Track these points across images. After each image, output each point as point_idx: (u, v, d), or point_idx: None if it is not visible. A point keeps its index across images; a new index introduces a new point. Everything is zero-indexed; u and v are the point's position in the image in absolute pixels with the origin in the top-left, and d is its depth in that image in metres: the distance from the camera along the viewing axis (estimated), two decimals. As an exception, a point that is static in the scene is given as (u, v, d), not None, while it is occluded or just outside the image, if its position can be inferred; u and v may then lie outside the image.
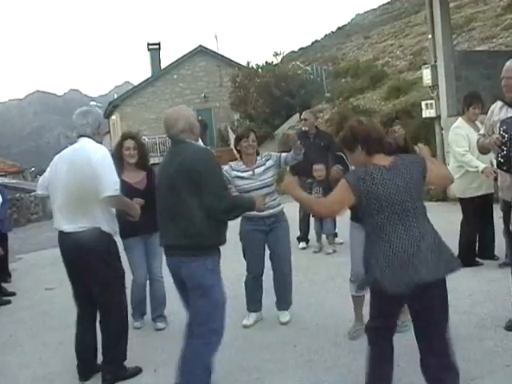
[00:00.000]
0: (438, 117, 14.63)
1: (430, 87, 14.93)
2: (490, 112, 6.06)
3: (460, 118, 8.38)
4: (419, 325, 4.29)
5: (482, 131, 6.25)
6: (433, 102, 14.68)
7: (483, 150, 6.29)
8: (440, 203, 14.20)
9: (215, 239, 4.75)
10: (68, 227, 5.37)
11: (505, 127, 5.65)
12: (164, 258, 5.12)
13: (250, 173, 6.56)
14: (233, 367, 5.56)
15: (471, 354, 5.33)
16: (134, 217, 5.71)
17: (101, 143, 5.61)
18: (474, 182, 8.04)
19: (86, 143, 5.47)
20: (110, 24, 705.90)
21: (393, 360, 4.45)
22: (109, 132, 48.96)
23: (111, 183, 5.23)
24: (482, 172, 7.61)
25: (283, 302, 6.96)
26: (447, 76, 14.38)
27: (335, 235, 10.67)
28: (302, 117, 11.14)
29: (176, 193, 4.63)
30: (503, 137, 5.65)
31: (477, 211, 8.21)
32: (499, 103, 5.94)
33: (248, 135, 6.70)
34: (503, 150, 5.66)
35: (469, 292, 7.07)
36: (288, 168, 8.99)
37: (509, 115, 5.72)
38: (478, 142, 6.26)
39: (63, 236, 5.45)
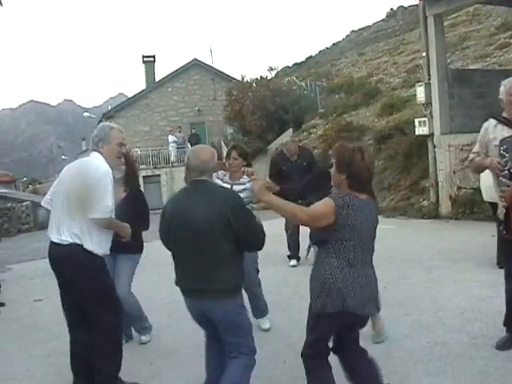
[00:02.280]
0: (431, 134, 14.67)
1: (423, 105, 14.99)
2: (483, 130, 6.03)
3: None
4: (342, 344, 4.71)
5: (475, 149, 6.22)
6: (426, 119, 14.74)
7: (478, 169, 6.27)
8: (432, 221, 14.22)
9: (241, 280, 4.83)
10: (56, 237, 5.32)
11: (505, 146, 5.63)
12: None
13: (229, 187, 6.53)
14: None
15: (462, 372, 5.30)
16: (125, 237, 5.68)
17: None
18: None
19: (92, 158, 5.46)
20: (105, 35, 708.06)
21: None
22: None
23: (101, 206, 5.18)
24: None
25: (257, 311, 7.13)
26: (441, 94, 14.44)
27: None
28: (284, 145, 11.03)
29: (208, 238, 4.55)
30: (503, 156, 5.63)
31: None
32: (492, 121, 5.90)
33: (230, 153, 6.76)
34: (504, 170, 5.63)
35: (460, 310, 7.05)
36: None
37: (505, 134, 5.69)
38: (471, 160, 6.24)
39: (52, 245, 5.39)
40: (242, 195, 6.54)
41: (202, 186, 4.74)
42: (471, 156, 6.26)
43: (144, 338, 7.07)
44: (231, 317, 4.68)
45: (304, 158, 10.64)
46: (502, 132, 5.74)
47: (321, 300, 4.32)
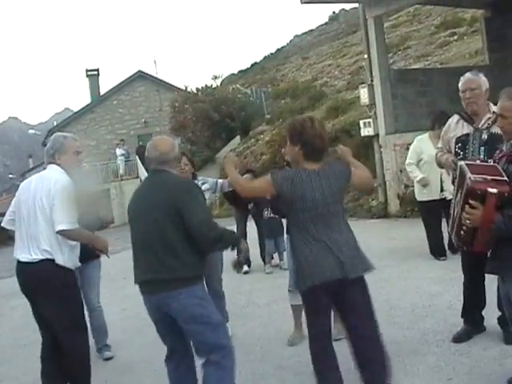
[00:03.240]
0: (377, 135, 14.80)
1: (367, 106, 15.11)
2: (446, 126, 6.06)
3: (427, 133, 9.39)
4: (347, 320, 4.58)
5: (439, 145, 6.30)
6: (371, 120, 14.86)
7: (440, 165, 6.34)
8: (382, 220, 14.36)
9: (199, 270, 4.69)
10: (25, 256, 5.20)
11: (460, 145, 5.69)
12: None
13: None
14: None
15: (415, 369, 5.34)
16: (103, 251, 5.61)
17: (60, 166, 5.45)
18: (424, 188, 9.29)
19: (49, 171, 5.38)
20: (48, 50, 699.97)
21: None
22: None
23: (67, 216, 5.10)
24: (418, 182, 9.36)
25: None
26: (384, 94, 14.57)
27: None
28: None
29: (158, 226, 4.50)
30: (458, 154, 5.69)
31: (431, 213, 9.38)
32: (455, 117, 5.91)
33: (180, 159, 6.77)
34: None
35: (411, 307, 7.11)
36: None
37: (464, 132, 5.73)
38: (436, 155, 6.28)
39: (20, 265, 5.27)
40: (204, 187, 6.67)
41: (158, 176, 4.74)
42: (436, 152, 6.31)
43: (108, 354, 6.99)
44: (190, 308, 4.51)
45: None
46: (463, 129, 5.76)
47: (294, 279, 4.53)
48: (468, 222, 3.96)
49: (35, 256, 5.15)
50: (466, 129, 5.75)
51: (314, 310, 4.50)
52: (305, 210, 4.33)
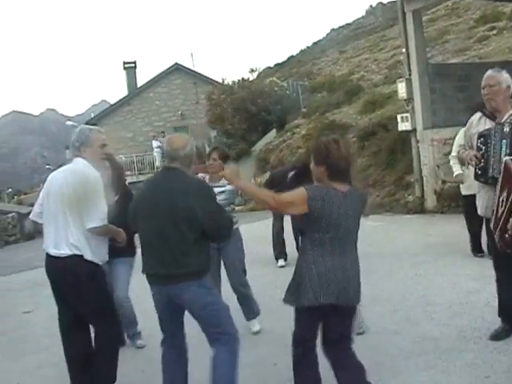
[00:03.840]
0: (414, 130, 14.70)
1: (405, 100, 15.02)
2: (468, 123, 6.07)
3: None
4: (330, 339, 4.62)
5: (462, 142, 6.29)
6: (408, 115, 14.77)
7: (461, 162, 6.31)
8: (418, 215, 14.27)
9: (207, 264, 4.88)
10: (54, 251, 5.23)
11: (482, 139, 5.66)
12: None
13: None
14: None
15: (452, 366, 5.32)
16: (121, 242, 5.67)
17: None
18: (466, 182, 9.02)
19: (78, 165, 5.36)
20: (86, 42, 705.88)
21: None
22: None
23: (98, 213, 5.16)
24: (455, 178, 9.40)
25: (249, 311, 7.19)
26: (422, 89, 14.48)
27: None
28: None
29: (173, 225, 4.61)
30: (480, 149, 5.66)
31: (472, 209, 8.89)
32: (478, 115, 5.93)
33: (210, 154, 6.80)
34: (481, 162, 5.66)
35: (448, 304, 7.07)
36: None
37: (487, 127, 5.72)
38: (458, 153, 6.27)
39: (49, 259, 5.30)
40: (221, 197, 6.61)
41: (170, 173, 4.82)
42: (458, 150, 6.29)
43: (140, 342, 7.08)
44: (200, 298, 4.73)
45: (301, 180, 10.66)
46: (485, 125, 5.76)
47: (296, 294, 4.41)
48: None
49: (63, 251, 5.18)
50: (488, 125, 5.73)
51: (306, 325, 4.61)
52: (327, 230, 4.34)
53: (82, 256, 5.20)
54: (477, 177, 5.85)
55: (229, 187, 6.73)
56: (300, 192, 4.36)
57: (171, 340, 5.02)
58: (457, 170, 9.20)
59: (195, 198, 4.58)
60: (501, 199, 4.20)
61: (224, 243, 6.75)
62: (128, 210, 5.12)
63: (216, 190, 6.44)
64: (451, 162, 9.43)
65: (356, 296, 4.48)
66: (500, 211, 4.22)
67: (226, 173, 4.64)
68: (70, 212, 5.16)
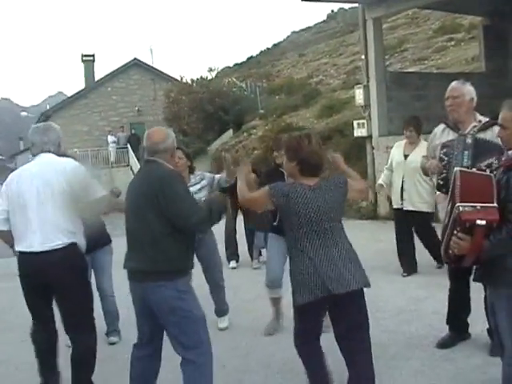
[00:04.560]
0: (370, 136, 14.84)
1: (362, 107, 15.14)
2: (432, 134, 6.16)
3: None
4: (339, 332, 4.59)
5: (425, 153, 6.37)
6: (364, 121, 14.90)
7: (425, 172, 6.39)
8: (370, 221, 14.40)
9: (183, 264, 4.69)
10: (44, 246, 5.03)
11: (445, 150, 5.74)
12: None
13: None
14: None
15: (398, 373, 5.38)
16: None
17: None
18: (392, 195, 9.15)
19: (52, 157, 5.27)
20: (44, 32, 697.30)
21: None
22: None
23: (98, 185, 5.24)
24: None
25: (219, 306, 7.31)
26: (379, 96, 14.61)
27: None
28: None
29: (142, 217, 4.55)
30: (442, 160, 5.74)
31: (396, 223, 9.26)
32: (441, 126, 6.02)
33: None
34: (442, 173, 5.75)
35: (397, 311, 7.15)
36: None
37: (449, 138, 5.80)
38: (421, 164, 6.36)
39: (31, 256, 5.07)
40: (203, 194, 6.62)
41: (148, 166, 4.80)
42: (422, 160, 6.37)
43: (112, 339, 7.02)
44: (170, 301, 4.53)
45: None
46: (448, 136, 5.86)
47: (294, 294, 4.45)
48: (456, 250, 3.95)
49: (59, 241, 5.02)
50: (451, 136, 5.84)
51: (305, 322, 4.64)
52: (300, 225, 4.37)
53: (75, 244, 5.12)
54: (439, 187, 5.95)
55: (205, 182, 6.88)
56: (263, 190, 4.51)
57: (145, 345, 4.87)
58: (381, 180, 9.25)
59: (159, 185, 4.51)
60: (447, 210, 4.25)
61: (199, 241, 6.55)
62: None
63: (192, 189, 6.41)
64: (382, 174, 9.40)
65: (357, 280, 4.39)
66: (445, 222, 4.27)
67: (242, 167, 4.96)
68: (62, 200, 5.02)
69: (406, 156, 8.75)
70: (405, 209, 8.76)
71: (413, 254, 9.00)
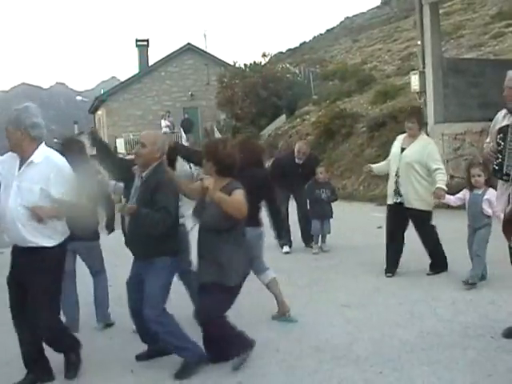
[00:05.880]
0: (425, 123, 14.60)
1: (417, 93, 15.00)
2: (494, 120, 6.08)
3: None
4: None
5: (487, 140, 6.27)
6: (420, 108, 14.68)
7: (485, 159, 6.29)
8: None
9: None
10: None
11: (501, 135, 5.65)
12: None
13: None
14: (214, 370, 5.48)
15: (454, 362, 5.31)
16: None
17: None
18: (387, 190, 8.73)
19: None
20: (98, 18, 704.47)
21: None
22: (94, 127, 48.88)
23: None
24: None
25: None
26: (435, 83, 14.44)
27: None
28: (298, 149, 10.95)
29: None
30: (499, 144, 5.65)
31: (389, 219, 8.65)
32: (503, 111, 5.93)
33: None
34: (498, 158, 5.66)
35: (452, 300, 7.06)
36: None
37: (508, 123, 5.71)
38: (483, 150, 6.28)
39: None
40: None
41: None
42: (484, 146, 6.28)
43: (97, 326, 7.09)
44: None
45: (309, 166, 10.69)
46: (508, 122, 5.76)
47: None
48: None
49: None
50: (509, 121, 5.73)
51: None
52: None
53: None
54: (494, 173, 5.85)
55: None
56: (242, 193, 5.20)
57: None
58: (375, 165, 9.12)
59: None
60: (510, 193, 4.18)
61: None
62: None
63: None
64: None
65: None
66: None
67: (207, 184, 5.29)
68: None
69: (402, 149, 8.33)
70: (405, 206, 8.25)
71: (400, 253, 8.54)
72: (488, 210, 7.33)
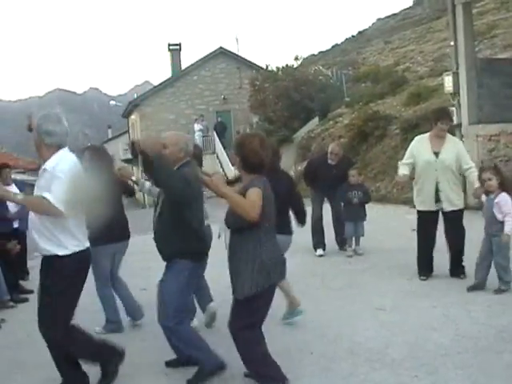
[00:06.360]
0: (459, 124, 14.51)
1: (451, 94, 14.86)
2: None
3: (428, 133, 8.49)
4: None
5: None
6: (454, 109, 14.55)
7: None
8: (459, 211, 14.09)
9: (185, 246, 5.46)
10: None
11: None
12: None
13: None
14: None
15: (489, 366, 5.27)
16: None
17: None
18: (419, 196, 8.47)
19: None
20: (131, 23, 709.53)
21: None
22: (127, 131, 49.22)
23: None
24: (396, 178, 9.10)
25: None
26: (469, 83, 14.31)
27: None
28: (330, 150, 11.03)
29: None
30: None
31: (425, 225, 8.50)
32: None
33: None
34: None
35: (487, 303, 7.01)
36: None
37: None
38: None
39: (86, 252, 5.32)
40: None
41: None
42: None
43: (99, 329, 7.05)
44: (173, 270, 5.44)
45: (342, 169, 10.71)
46: None
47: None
48: None
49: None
50: None
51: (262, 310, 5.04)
52: (267, 217, 4.88)
53: None
54: None
55: None
56: (258, 192, 4.76)
57: None
58: (400, 171, 8.41)
59: None
60: None
61: None
62: None
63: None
64: (400, 167, 8.51)
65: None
66: None
67: (214, 181, 4.89)
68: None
69: (436, 154, 8.15)
70: (445, 210, 8.23)
71: (431, 256, 8.55)
72: (498, 215, 7.32)
